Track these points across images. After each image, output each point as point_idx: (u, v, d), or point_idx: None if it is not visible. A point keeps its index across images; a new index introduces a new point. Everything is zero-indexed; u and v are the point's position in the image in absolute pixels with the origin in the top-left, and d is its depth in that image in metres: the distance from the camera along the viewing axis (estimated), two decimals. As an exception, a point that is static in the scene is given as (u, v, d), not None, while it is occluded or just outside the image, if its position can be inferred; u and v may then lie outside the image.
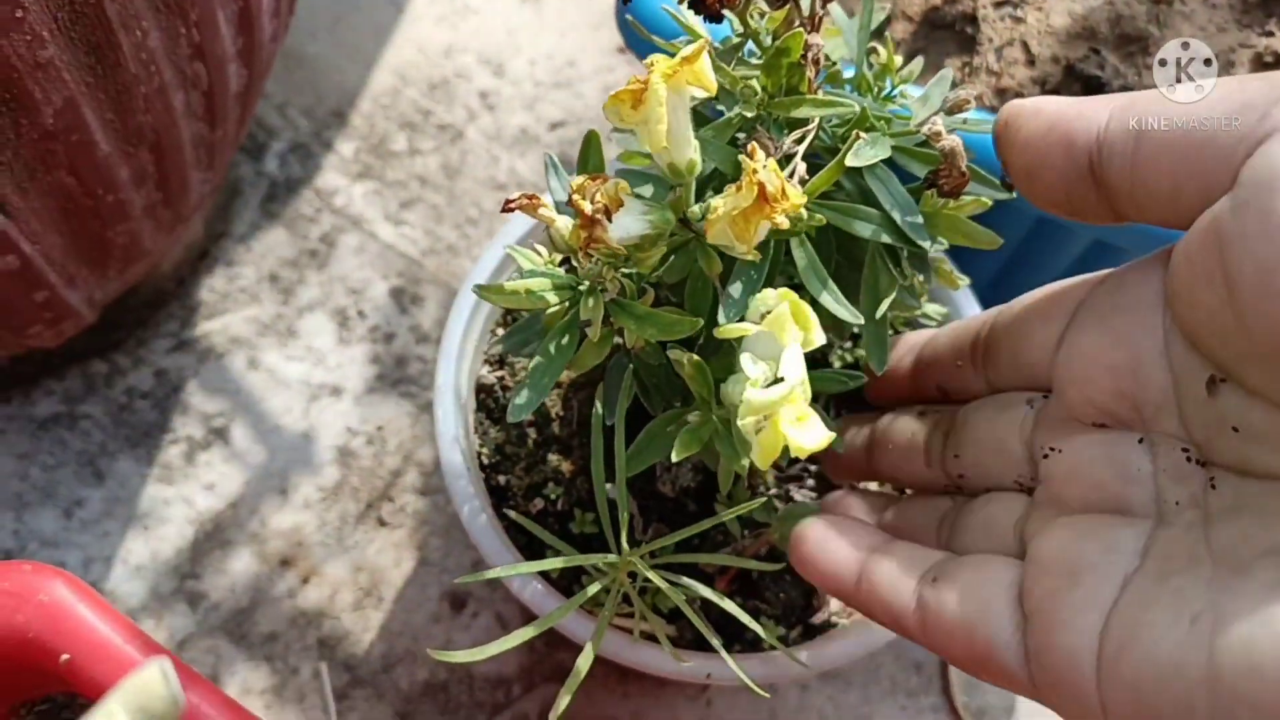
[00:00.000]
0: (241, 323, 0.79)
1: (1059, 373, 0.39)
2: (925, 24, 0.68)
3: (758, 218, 0.37)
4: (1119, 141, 0.34)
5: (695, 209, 0.40)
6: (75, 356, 0.74)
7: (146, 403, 0.75)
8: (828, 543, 0.43)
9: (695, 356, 0.41)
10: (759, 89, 0.42)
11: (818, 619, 0.56)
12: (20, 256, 0.55)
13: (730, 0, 0.41)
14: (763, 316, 0.38)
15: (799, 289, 0.42)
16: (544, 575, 0.53)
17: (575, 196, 0.38)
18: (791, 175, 0.40)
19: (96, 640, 0.44)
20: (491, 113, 0.90)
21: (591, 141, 0.43)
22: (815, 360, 0.49)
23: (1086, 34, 0.64)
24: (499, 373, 0.61)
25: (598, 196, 0.38)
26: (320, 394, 0.77)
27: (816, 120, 0.42)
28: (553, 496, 0.57)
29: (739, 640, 0.55)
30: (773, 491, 0.58)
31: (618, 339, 0.43)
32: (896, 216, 0.42)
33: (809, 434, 0.37)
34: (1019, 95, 0.64)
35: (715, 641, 0.44)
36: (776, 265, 0.41)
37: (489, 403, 0.60)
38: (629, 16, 0.54)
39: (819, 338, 0.39)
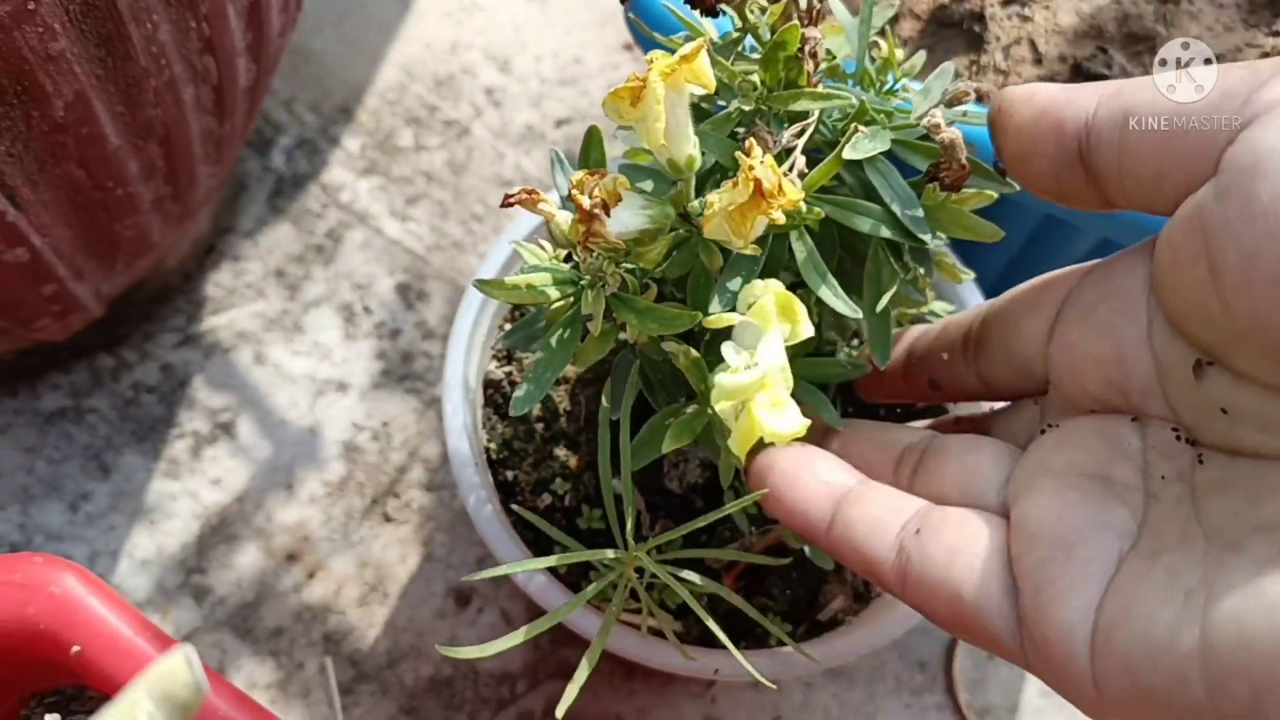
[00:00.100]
0: (247, 318, 0.79)
1: (1053, 367, 0.40)
2: (933, 22, 0.68)
3: (754, 213, 0.37)
4: (1106, 129, 0.35)
5: (695, 204, 0.40)
6: (81, 350, 0.75)
7: (152, 397, 0.75)
8: (798, 476, 0.39)
9: (691, 350, 0.41)
10: (758, 83, 0.42)
11: (824, 616, 0.56)
12: (29, 249, 0.55)
13: (727, -5, 0.41)
14: (749, 307, 0.39)
15: (800, 283, 0.42)
16: (551, 571, 0.53)
17: (574, 191, 0.38)
18: (791, 169, 0.40)
19: (107, 633, 0.44)
20: (497, 109, 0.90)
21: (593, 136, 0.43)
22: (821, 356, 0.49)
23: (1094, 33, 0.64)
24: (507, 368, 0.61)
25: (595, 191, 0.38)
26: (326, 389, 0.77)
27: (816, 114, 0.42)
28: (560, 492, 0.57)
29: (745, 637, 0.55)
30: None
31: (621, 334, 0.43)
32: (897, 210, 0.42)
33: (783, 420, 0.37)
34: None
35: (724, 637, 0.44)
36: (775, 259, 0.41)
37: (496, 398, 0.60)
38: (632, 14, 0.54)
39: (806, 330, 0.39)
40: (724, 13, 0.43)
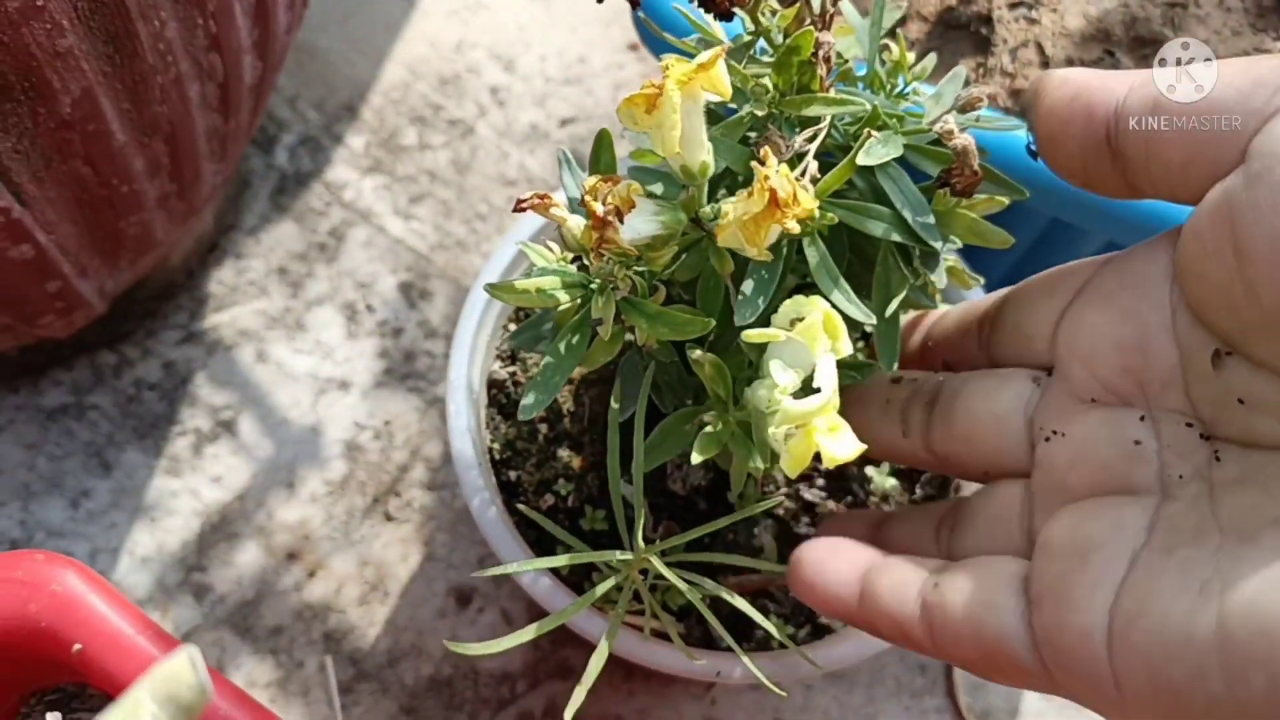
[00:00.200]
0: (250, 315, 0.79)
1: (1062, 350, 0.40)
2: (940, 24, 0.68)
3: (769, 223, 0.37)
4: (1135, 114, 0.35)
5: (707, 209, 0.40)
6: (84, 347, 0.75)
7: (154, 394, 0.75)
8: (825, 564, 0.42)
9: (715, 358, 0.41)
10: (770, 87, 0.42)
11: (825, 618, 0.56)
12: (35, 246, 0.55)
13: (741, -1, 0.41)
14: (792, 323, 0.38)
15: (810, 287, 0.42)
16: (553, 571, 0.53)
17: (587, 198, 0.38)
18: (803, 174, 0.40)
19: (109, 631, 0.44)
20: (502, 108, 0.90)
21: (603, 140, 0.43)
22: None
23: (1101, 36, 0.64)
24: (510, 368, 0.61)
25: (609, 198, 0.38)
26: (328, 388, 0.77)
27: (828, 118, 0.42)
28: (563, 493, 0.57)
29: (746, 639, 0.55)
30: (783, 490, 0.58)
31: (629, 336, 0.43)
32: (908, 215, 0.42)
33: (842, 445, 0.37)
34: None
35: (730, 639, 0.44)
36: (789, 264, 0.41)
37: (500, 398, 0.60)
38: (641, 15, 0.54)
39: (846, 347, 0.39)
40: (736, 15, 0.42)
